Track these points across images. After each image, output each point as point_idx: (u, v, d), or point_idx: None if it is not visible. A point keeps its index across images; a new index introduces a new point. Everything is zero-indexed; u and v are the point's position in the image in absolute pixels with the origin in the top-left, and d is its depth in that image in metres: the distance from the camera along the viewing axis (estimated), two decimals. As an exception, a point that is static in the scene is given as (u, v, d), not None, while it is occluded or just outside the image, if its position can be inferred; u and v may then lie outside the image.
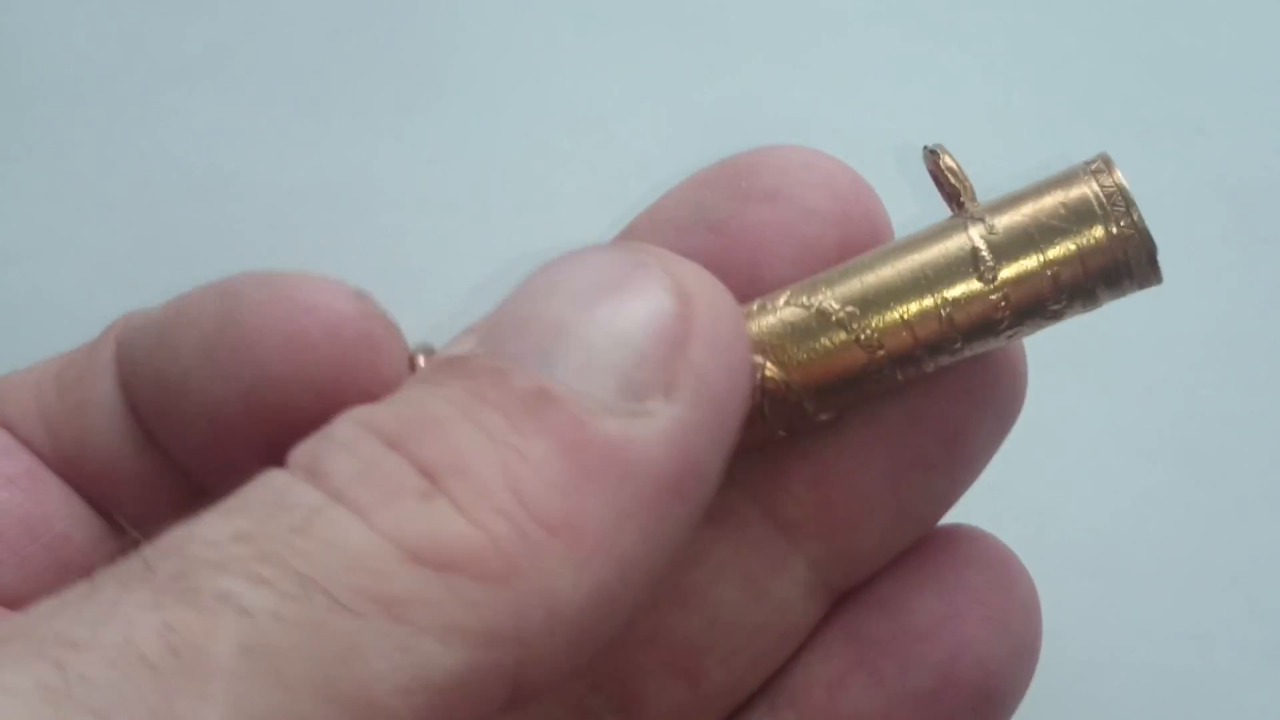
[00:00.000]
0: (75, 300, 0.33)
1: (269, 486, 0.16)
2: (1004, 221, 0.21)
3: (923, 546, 0.24)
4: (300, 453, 0.16)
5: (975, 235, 0.21)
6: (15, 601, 0.22)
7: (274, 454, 0.17)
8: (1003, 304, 0.20)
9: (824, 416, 0.22)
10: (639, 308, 0.17)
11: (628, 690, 0.23)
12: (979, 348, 0.21)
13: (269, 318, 0.20)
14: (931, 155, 0.22)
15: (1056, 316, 0.21)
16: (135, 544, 0.23)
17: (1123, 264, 0.20)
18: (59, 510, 0.22)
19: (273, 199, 0.34)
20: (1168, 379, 0.34)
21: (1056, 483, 0.33)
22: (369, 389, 0.19)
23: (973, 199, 0.21)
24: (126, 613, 0.14)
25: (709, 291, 0.18)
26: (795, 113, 0.35)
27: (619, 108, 0.36)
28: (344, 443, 0.16)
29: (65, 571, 0.22)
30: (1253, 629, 0.32)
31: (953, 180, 0.21)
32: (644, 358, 0.17)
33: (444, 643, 0.14)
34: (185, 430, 0.21)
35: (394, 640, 0.14)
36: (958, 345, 0.21)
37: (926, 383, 0.22)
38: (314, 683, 0.13)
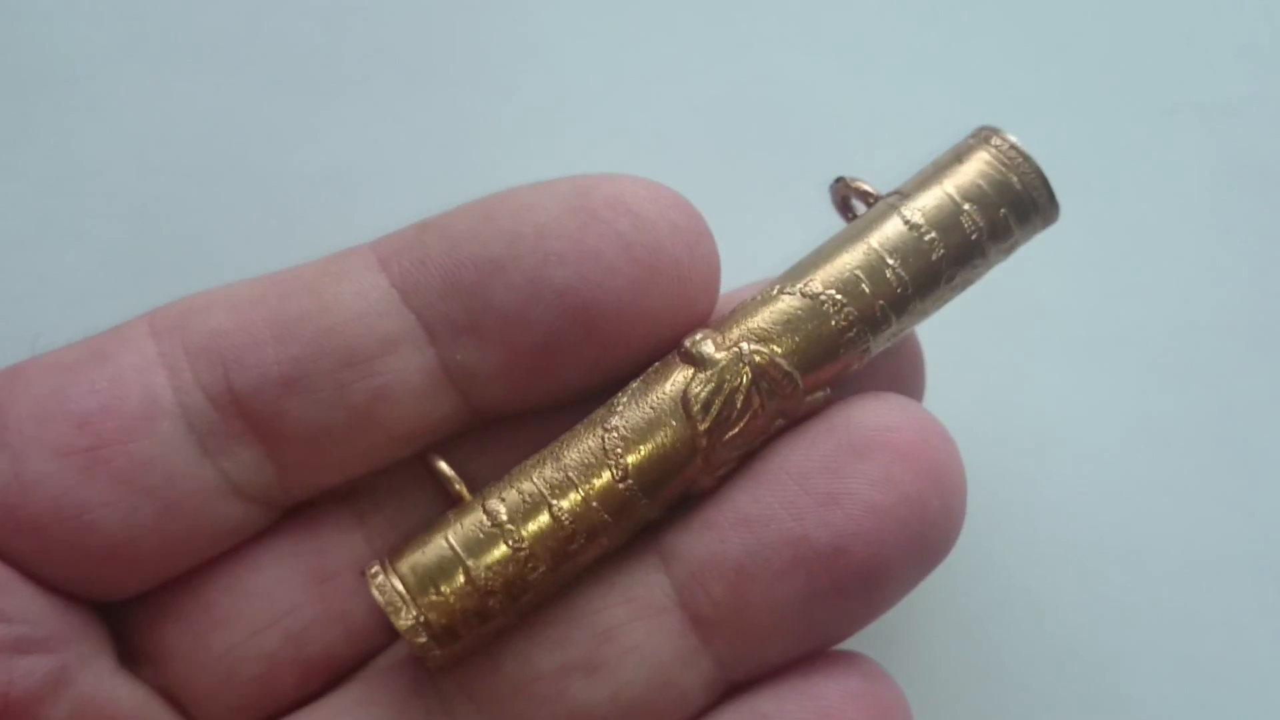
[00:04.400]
0: (77, 288, 0.33)
1: None
2: (914, 187, 0.25)
3: (817, 672, 0.24)
4: None
5: (895, 202, 0.25)
6: (129, 547, 0.23)
7: None
8: (932, 241, 0.24)
9: (818, 395, 0.24)
10: None
11: None
12: (930, 298, 0.24)
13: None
14: (839, 184, 0.26)
15: (982, 252, 0.24)
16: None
17: (1023, 195, 0.24)
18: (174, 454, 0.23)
19: (279, 184, 0.33)
20: (1194, 369, 0.33)
21: (1081, 468, 0.32)
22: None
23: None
24: None
25: None
26: (813, 95, 0.34)
27: (632, 89, 0.35)
28: None
29: (169, 514, 0.23)
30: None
31: (863, 189, 0.25)
32: None
33: None
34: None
35: None
36: (909, 293, 0.24)
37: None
38: None
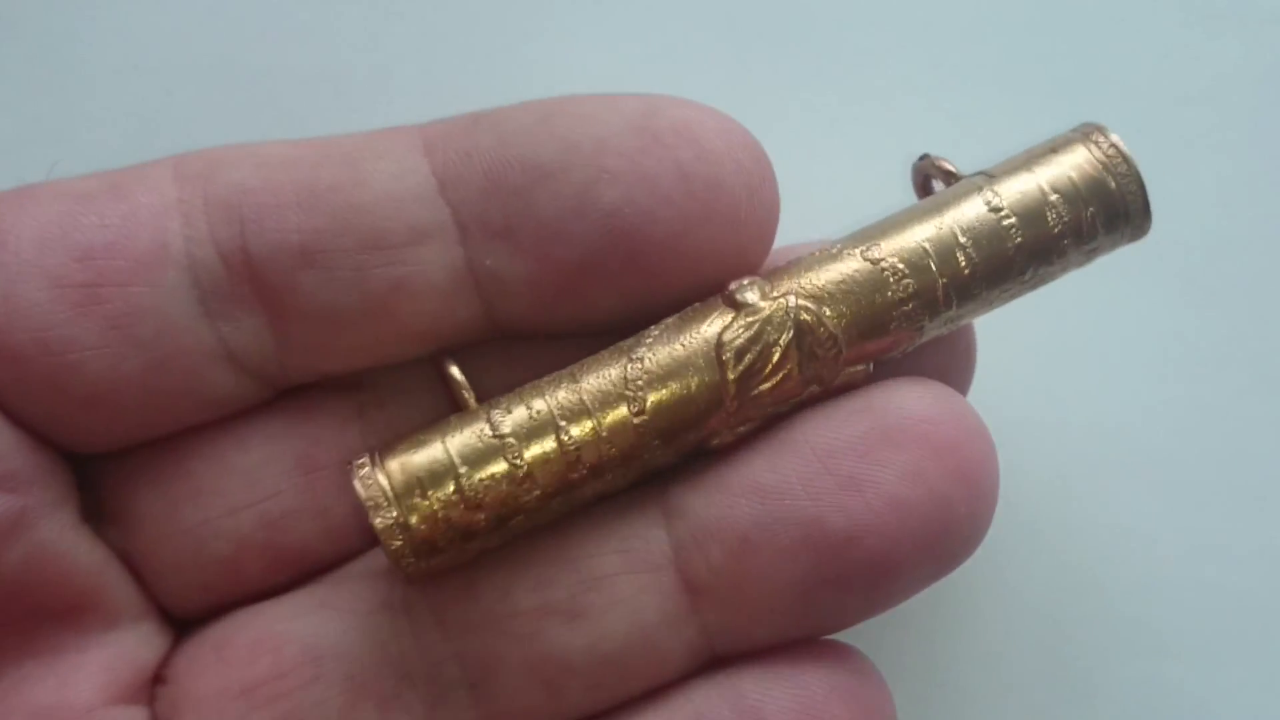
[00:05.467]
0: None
1: None
2: (1002, 171, 0.24)
3: (806, 661, 0.23)
4: None
5: (981, 182, 0.24)
6: (111, 396, 0.22)
7: None
8: (1011, 226, 0.23)
9: (859, 368, 0.23)
10: None
11: (487, 675, 0.23)
12: (998, 288, 0.23)
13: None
14: (923, 161, 0.25)
15: (1061, 251, 0.23)
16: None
17: (1116, 199, 0.23)
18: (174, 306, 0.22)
19: (278, 85, 0.32)
20: (1229, 284, 0.32)
21: (1113, 392, 0.31)
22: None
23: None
24: None
25: None
26: (907, 56, 0.33)
27: (659, 9, 0.33)
28: None
29: (157, 370, 0.22)
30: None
31: (948, 169, 0.24)
32: None
33: None
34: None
35: None
36: (976, 279, 0.23)
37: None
38: None
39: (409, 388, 0.25)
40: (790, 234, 0.25)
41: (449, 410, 0.23)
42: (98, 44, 0.32)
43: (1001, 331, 0.27)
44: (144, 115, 0.32)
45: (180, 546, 0.24)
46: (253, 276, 0.22)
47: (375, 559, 0.24)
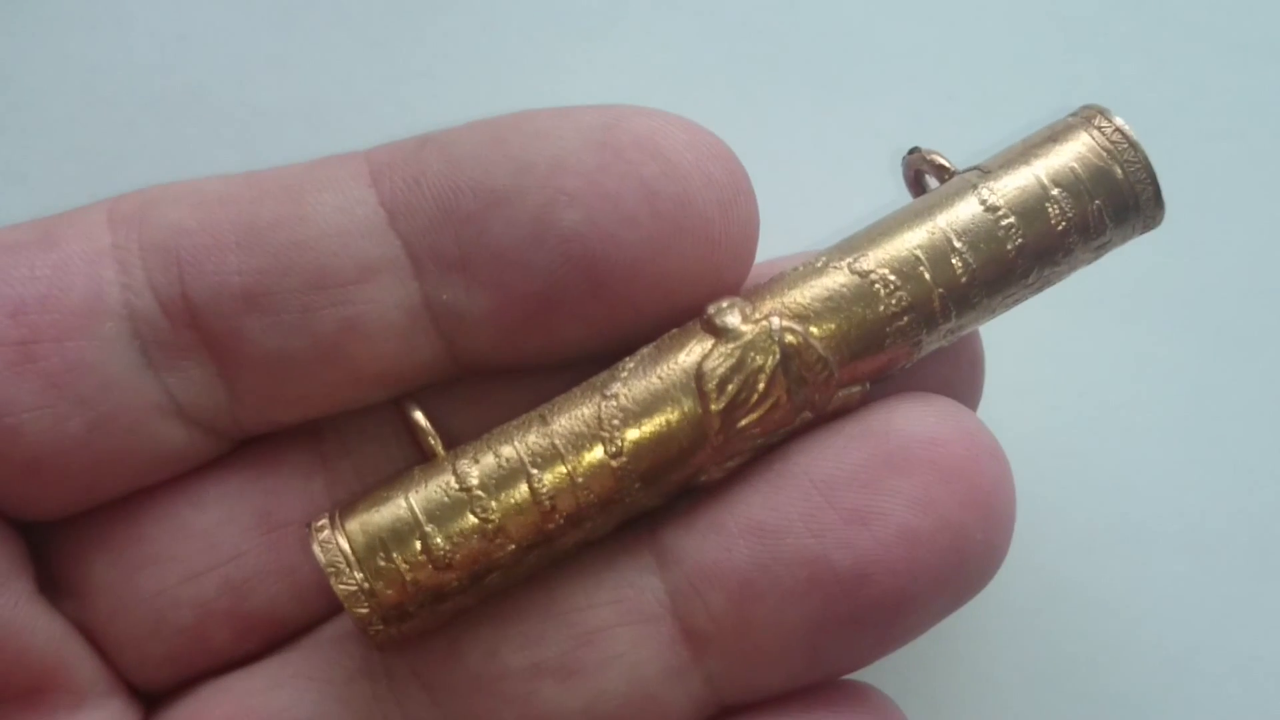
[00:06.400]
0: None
1: None
2: (998, 164, 0.22)
3: (822, 705, 0.22)
4: None
5: (975, 179, 0.22)
6: (54, 459, 0.21)
7: None
8: (1010, 227, 0.21)
9: (854, 389, 0.21)
10: None
11: None
12: (999, 295, 0.21)
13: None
14: (913, 155, 0.23)
15: (1067, 250, 0.21)
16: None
17: (1124, 189, 0.22)
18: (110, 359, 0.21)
19: (245, 116, 0.31)
20: (1265, 334, 0.30)
21: (1143, 457, 0.29)
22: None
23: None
24: None
25: None
26: (890, 36, 0.31)
27: (627, 12, 0.31)
28: None
29: (102, 428, 0.21)
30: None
31: (940, 164, 0.22)
32: None
33: None
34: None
35: None
36: (974, 286, 0.21)
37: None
38: None
39: (374, 433, 0.23)
40: (774, 247, 0.23)
41: (418, 456, 0.22)
42: (45, 75, 0.31)
43: (1015, 346, 0.26)
44: (94, 150, 0.31)
45: (139, 617, 0.22)
46: (195, 323, 0.21)
47: (350, 621, 0.23)
